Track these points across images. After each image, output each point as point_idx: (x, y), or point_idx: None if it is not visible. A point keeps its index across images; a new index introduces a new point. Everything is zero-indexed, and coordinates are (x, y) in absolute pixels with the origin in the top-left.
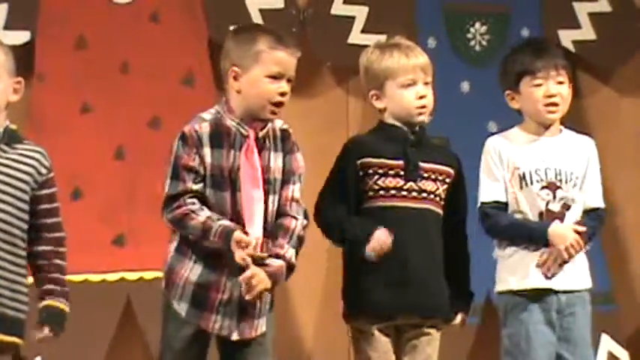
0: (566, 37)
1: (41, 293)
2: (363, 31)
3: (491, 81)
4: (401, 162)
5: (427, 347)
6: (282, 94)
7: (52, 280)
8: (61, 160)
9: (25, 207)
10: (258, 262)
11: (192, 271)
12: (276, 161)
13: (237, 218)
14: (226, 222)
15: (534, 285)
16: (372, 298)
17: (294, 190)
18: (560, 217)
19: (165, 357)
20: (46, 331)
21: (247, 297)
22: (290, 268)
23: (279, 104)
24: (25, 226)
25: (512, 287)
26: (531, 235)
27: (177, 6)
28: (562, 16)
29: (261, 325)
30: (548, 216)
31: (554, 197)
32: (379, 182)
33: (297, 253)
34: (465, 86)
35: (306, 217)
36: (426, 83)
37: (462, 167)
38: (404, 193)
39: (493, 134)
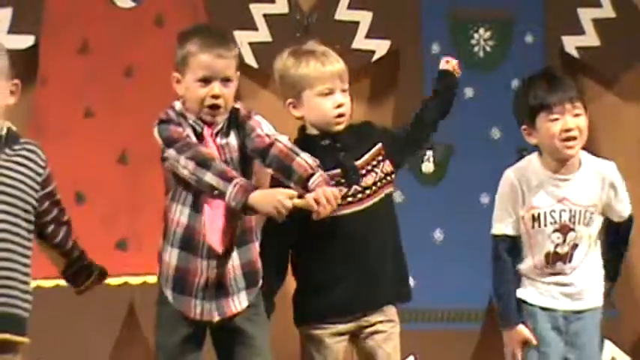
0: (570, 43)
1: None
2: (367, 37)
3: (494, 87)
4: (338, 171)
5: (384, 345)
6: (214, 97)
7: (81, 257)
8: (64, 164)
9: (30, 208)
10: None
11: (171, 255)
12: (227, 141)
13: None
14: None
15: (542, 304)
16: (326, 305)
17: (261, 129)
18: (566, 258)
19: (159, 356)
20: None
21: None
22: (320, 167)
23: (213, 107)
24: (32, 227)
25: (519, 296)
26: (501, 314)
27: (181, 10)
28: (566, 22)
29: (241, 301)
30: (553, 258)
31: (564, 241)
32: None
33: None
34: (469, 92)
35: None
36: (344, 90)
37: (378, 126)
38: (349, 199)
39: (498, 140)
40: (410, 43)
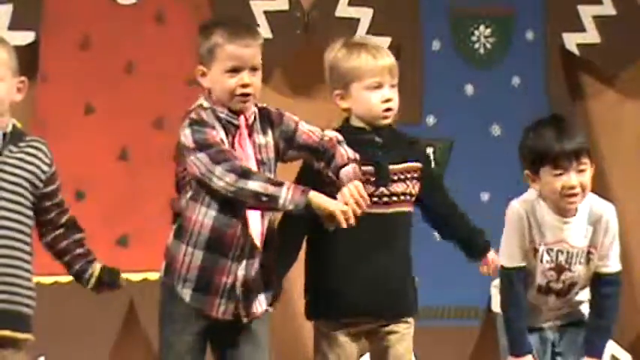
0: (571, 40)
1: (83, 263)
2: (367, 33)
3: (495, 84)
4: (370, 168)
5: (398, 346)
6: (244, 86)
7: (83, 253)
8: (64, 160)
9: (30, 205)
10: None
11: (193, 255)
12: (266, 140)
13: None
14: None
15: (531, 325)
16: (337, 299)
17: (303, 130)
18: (561, 293)
19: (166, 356)
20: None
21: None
22: (357, 161)
23: (245, 95)
24: (31, 223)
25: None
26: (513, 342)
27: (182, 7)
28: (566, 19)
29: (261, 303)
30: (545, 290)
31: (558, 279)
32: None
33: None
34: (469, 89)
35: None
36: (392, 86)
37: (425, 152)
38: (374, 199)
39: (498, 136)
40: (410, 40)
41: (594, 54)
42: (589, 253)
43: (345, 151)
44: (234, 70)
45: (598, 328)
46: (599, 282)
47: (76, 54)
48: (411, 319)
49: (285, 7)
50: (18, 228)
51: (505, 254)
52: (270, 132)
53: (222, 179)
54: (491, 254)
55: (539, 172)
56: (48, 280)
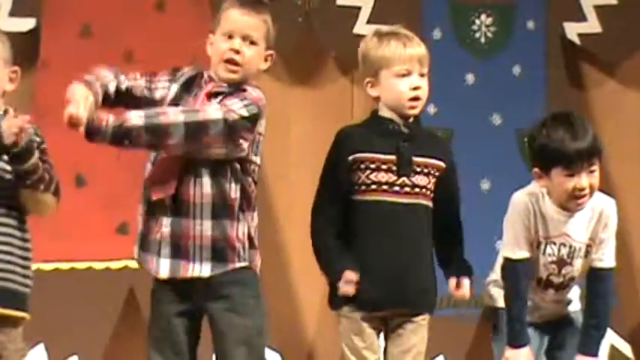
0: (572, 30)
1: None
2: (368, 22)
3: (495, 73)
4: (393, 157)
5: (412, 336)
6: (232, 51)
7: None
8: (64, 147)
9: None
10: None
11: (141, 219)
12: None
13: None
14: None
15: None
16: (360, 291)
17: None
18: (560, 287)
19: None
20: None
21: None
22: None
23: (229, 61)
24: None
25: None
26: (512, 334)
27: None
28: (568, 8)
29: (202, 269)
30: (545, 284)
31: (559, 272)
32: (371, 177)
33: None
34: (470, 78)
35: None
36: (422, 75)
37: (453, 159)
38: (396, 188)
39: (499, 126)
40: (411, 29)
41: (595, 43)
42: (588, 246)
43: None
44: (229, 36)
45: (593, 326)
46: (594, 278)
47: (77, 41)
48: (426, 314)
49: None
50: (11, 204)
51: (510, 245)
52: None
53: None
54: (468, 282)
55: (550, 171)
56: (48, 266)
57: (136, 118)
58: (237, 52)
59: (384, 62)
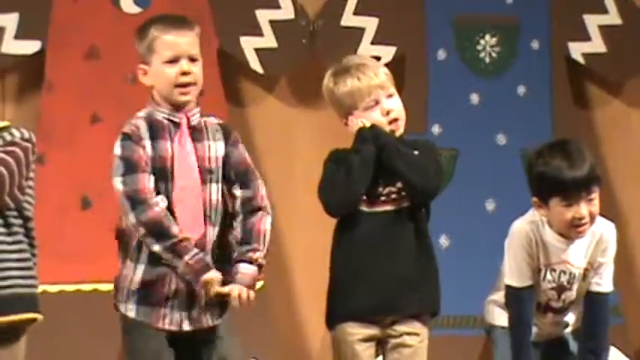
0: (576, 50)
1: None
2: (373, 43)
3: (500, 93)
4: (378, 170)
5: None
6: (184, 74)
7: None
8: (70, 169)
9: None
10: (219, 297)
11: (135, 271)
12: (216, 149)
13: (170, 208)
14: (200, 253)
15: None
16: (349, 301)
17: (259, 186)
18: (559, 311)
19: None
20: None
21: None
22: (260, 268)
23: (185, 85)
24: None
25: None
26: (514, 357)
27: (188, 16)
28: (572, 28)
29: (212, 319)
30: (544, 308)
31: (559, 298)
32: None
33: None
34: (475, 98)
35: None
36: (389, 96)
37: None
38: (382, 198)
39: (504, 145)
40: (416, 49)
41: (600, 63)
42: (586, 270)
43: (260, 252)
44: (173, 61)
45: (590, 349)
46: (591, 302)
47: (82, 63)
48: (423, 333)
49: (291, 16)
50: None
51: (513, 274)
52: (223, 144)
53: (135, 227)
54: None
55: (549, 201)
56: (53, 288)
57: None
58: (189, 72)
59: (350, 101)
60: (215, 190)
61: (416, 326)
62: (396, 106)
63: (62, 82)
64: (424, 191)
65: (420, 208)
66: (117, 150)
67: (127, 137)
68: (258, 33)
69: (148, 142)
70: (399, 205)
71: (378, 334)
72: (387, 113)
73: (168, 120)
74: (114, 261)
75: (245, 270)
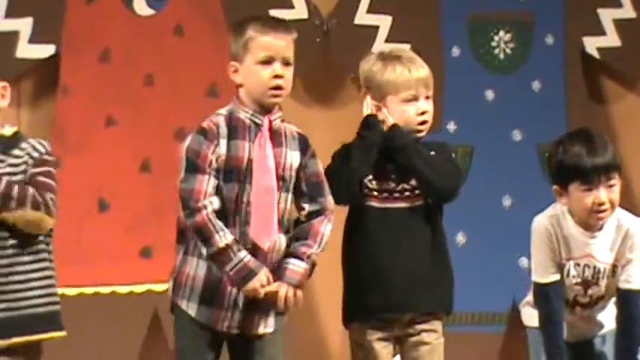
0: (591, 44)
1: None
2: (387, 41)
3: (515, 89)
4: (392, 166)
5: (427, 358)
6: (277, 77)
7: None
8: (86, 172)
9: None
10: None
11: (198, 268)
12: (292, 159)
13: (246, 211)
14: (246, 257)
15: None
16: (364, 299)
17: (328, 201)
18: (588, 306)
19: None
20: None
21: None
22: (313, 266)
23: (277, 88)
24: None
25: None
26: (547, 355)
27: (201, 18)
28: (586, 22)
29: (270, 324)
30: (572, 304)
31: (585, 293)
32: (372, 184)
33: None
34: (490, 94)
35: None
36: (427, 97)
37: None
38: (396, 195)
39: (519, 141)
40: (430, 46)
41: (615, 57)
42: (614, 266)
43: (314, 249)
44: (267, 62)
45: (626, 349)
46: (622, 299)
47: (97, 67)
48: (439, 330)
49: (304, 15)
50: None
51: (539, 270)
52: (298, 154)
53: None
54: None
55: (569, 187)
56: (72, 291)
57: None
58: (281, 76)
59: (391, 88)
60: (284, 199)
61: (434, 323)
62: (430, 109)
63: (77, 85)
64: (445, 191)
65: (435, 207)
66: (187, 143)
67: (202, 133)
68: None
69: (223, 141)
70: (412, 203)
71: (396, 333)
72: (422, 113)
73: (251, 120)
74: (132, 263)
75: (294, 267)
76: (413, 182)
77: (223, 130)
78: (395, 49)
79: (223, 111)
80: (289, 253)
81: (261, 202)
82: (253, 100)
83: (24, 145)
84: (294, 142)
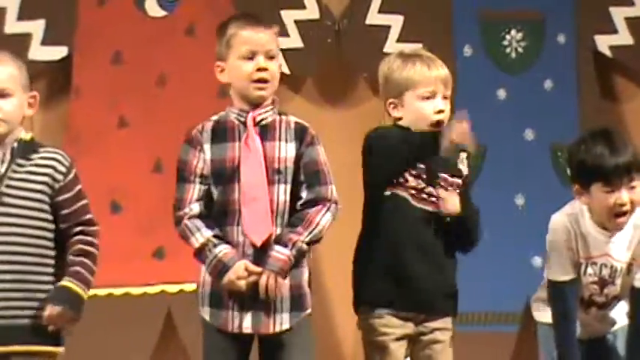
0: (603, 43)
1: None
2: (398, 40)
3: (527, 88)
4: (422, 166)
5: (441, 357)
6: (260, 70)
7: (75, 262)
8: (99, 174)
9: (48, 216)
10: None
11: (205, 273)
12: (287, 150)
13: (239, 210)
14: (222, 252)
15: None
16: (374, 287)
17: (327, 189)
18: (604, 306)
19: None
20: (59, 309)
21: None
22: (301, 254)
23: (260, 80)
24: (52, 235)
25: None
26: (559, 353)
27: (212, 19)
28: (598, 21)
29: (285, 321)
30: (588, 303)
31: (601, 292)
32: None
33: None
34: (502, 93)
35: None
36: (445, 97)
37: (467, 178)
38: (424, 195)
39: (532, 140)
40: (442, 46)
41: (627, 55)
42: (630, 265)
43: (302, 235)
44: (250, 57)
45: (637, 345)
46: (636, 298)
47: (109, 68)
48: (450, 326)
49: (316, 15)
50: (32, 242)
51: (554, 268)
52: (295, 145)
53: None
54: None
55: (590, 187)
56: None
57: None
58: (265, 69)
59: (409, 84)
60: (283, 191)
61: (447, 322)
62: (447, 110)
63: (89, 87)
64: (474, 245)
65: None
66: (180, 153)
67: (188, 141)
68: (284, 33)
69: (207, 146)
70: (436, 208)
71: (411, 332)
72: (439, 112)
73: (238, 120)
74: (144, 265)
75: (277, 254)
76: (439, 191)
77: (207, 135)
78: (415, 49)
79: (215, 116)
80: (276, 241)
81: (249, 198)
82: (241, 97)
83: (44, 153)
84: (290, 133)
